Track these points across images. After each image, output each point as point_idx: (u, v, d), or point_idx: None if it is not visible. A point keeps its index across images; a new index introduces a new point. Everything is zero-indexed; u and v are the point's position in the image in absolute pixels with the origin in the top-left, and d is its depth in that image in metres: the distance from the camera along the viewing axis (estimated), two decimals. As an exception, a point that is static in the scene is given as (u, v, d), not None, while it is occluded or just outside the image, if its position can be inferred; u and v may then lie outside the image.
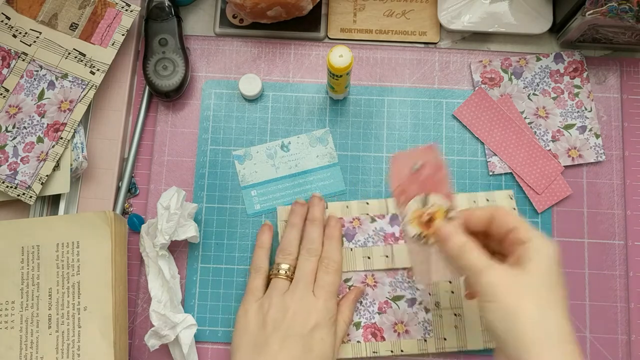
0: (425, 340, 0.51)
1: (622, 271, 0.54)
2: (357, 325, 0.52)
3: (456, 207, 0.42)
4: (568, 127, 0.56)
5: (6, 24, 0.54)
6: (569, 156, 0.55)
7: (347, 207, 0.54)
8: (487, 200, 0.54)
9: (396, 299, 0.52)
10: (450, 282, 0.52)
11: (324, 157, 0.56)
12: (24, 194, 0.52)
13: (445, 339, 0.51)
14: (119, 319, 0.50)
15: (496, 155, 0.55)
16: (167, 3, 0.56)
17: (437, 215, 0.42)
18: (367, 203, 0.54)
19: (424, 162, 0.42)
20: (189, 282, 0.54)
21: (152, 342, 0.50)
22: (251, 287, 0.50)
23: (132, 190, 0.56)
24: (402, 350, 0.51)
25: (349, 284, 0.52)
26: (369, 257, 0.53)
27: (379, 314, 0.52)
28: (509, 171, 0.55)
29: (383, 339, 0.51)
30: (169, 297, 0.51)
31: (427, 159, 0.43)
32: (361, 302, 0.52)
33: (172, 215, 0.50)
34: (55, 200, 0.55)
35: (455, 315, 0.52)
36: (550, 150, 0.55)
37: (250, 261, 0.52)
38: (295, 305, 0.47)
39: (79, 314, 0.49)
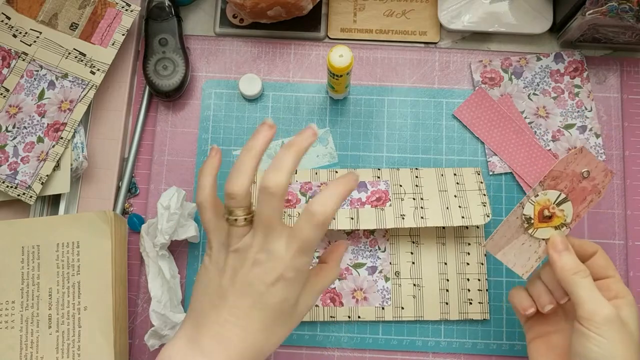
0: (383, 308, 0.52)
1: (622, 271, 0.54)
2: None
3: (571, 228, 0.44)
4: (568, 126, 0.56)
5: (6, 24, 0.54)
6: (569, 156, 0.55)
7: (317, 173, 0.54)
8: (455, 174, 0.54)
9: (357, 266, 0.53)
10: (410, 252, 0.52)
11: (324, 157, 0.56)
12: (24, 194, 0.52)
13: (402, 308, 0.52)
14: (119, 319, 0.50)
15: (496, 155, 0.55)
16: (167, 3, 0.56)
17: (556, 220, 0.43)
18: (336, 172, 0.55)
19: (597, 175, 0.42)
20: (189, 282, 0.54)
21: (152, 342, 0.50)
22: (204, 225, 0.41)
23: (132, 190, 0.56)
24: (359, 317, 0.52)
25: None
26: (334, 218, 0.52)
27: (339, 280, 0.53)
28: (509, 171, 0.55)
29: (341, 304, 0.53)
30: (169, 297, 0.51)
31: (598, 177, 0.43)
32: None
33: (172, 215, 0.50)
34: (55, 200, 0.55)
35: (414, 285, 0.53)
36: (550, 150, 0.55)
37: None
38: (254, 256, 0.38)
39: (79, 314, 0.49)
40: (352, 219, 0.52)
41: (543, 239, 0.44)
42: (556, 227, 0.43)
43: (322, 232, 0.38)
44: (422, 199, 0.53)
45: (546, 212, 0.43)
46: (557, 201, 0.43)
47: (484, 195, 0.52)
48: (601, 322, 0.39)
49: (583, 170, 0.42)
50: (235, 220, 0.38)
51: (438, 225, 0.52)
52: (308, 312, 0.49)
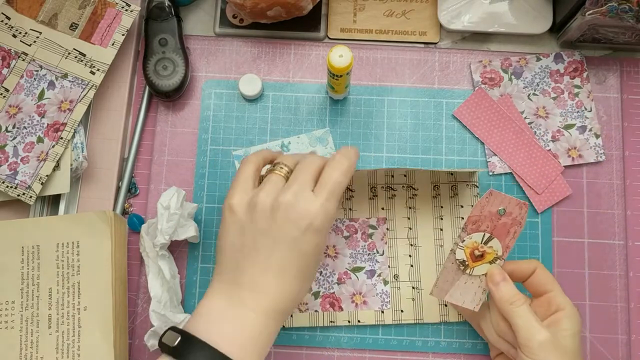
0: (383, 312, 0.52)
1: (622, 271, 0.54)
2: (316, 295, 0.53)
3: (504, 259, 0.46)
4: (568, 127, 0.56)
5: (6, 24, 0.54)
6: (569, 156, 0.55)
7: None
8: (451, 174, 0.54)
9: (356, 270, 0.53)
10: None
11: (324, 157, 0.56)
12: (24, 194, 0.52)
13: (402, 311, 0.52)
14: (119, 319, 0.50)
15: (496, 155, 0.55)
16: (167, 3, 0.56)
17: (488, 256, 0.46)
18: None
19: (511, 212, 0.45)
20: (189, 282, 0.54)
21: (152, 342, 0.50)
22: (239, 177, 0.43)
23: (132, 190, 0.56)
24: (359, 321, 0.52)
25: None
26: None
27: (338, 284, 0.53)
28: (509, 171, 0.55)
29: (341, 308, 0.53)
30: (169, 297, 0.51)
31: (514, 211, 0.45)
32: (321, 273, 0.53)
33: (172, 215, 0.50)
34: (55, 200, 0.55)
35: (413, 288, 0.53)
36: (550, 150, 0.55)
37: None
38: (289, 201, 0.40)
39: (79, 314, 0.49)
40: (350, 209, 0.54)
41: (482, 275, 0.46)
42: (491, 262, 0.46)
43: (348, 178, 0.42)
44: (413, 188, 0.54)
45: (477, 252, 0.46)
46: (483, 240, 0.46)
47: (476, 196, 0.54)
48: (536, 347, 0.42)
49: (499, 209, 0.45)
50: (281, 168, 0.43)
51: (428, 195, 0.54)
52: (308, 317, 0.52)
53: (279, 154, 0.47)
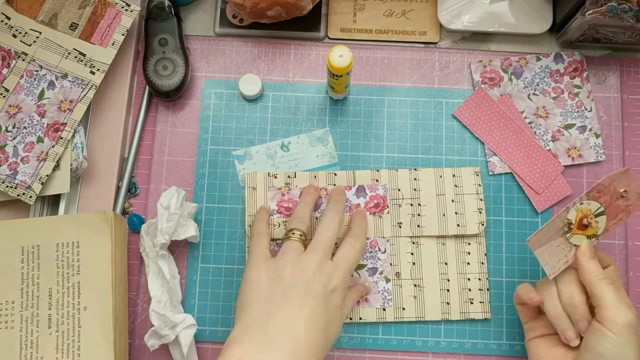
0: (384, 309, 0.52)
1: (622, 271, 0.54)
2: None
3: (599, 240, 0.47)
4: (568, 126, 0.56)
5: (6, 24, 0.54)
6: (569, 156, 0.55)
7: (315, 177, 0.54)
8: (454, 175, 0.54)
9: (358, 267, 0.53)
10: (411, 250, 0.52)
11: (324, 157, 0.56)
12: (24, 194, 0.52)
13: (404, 309, 0.52)
14: (119, 319, 0.50)
15: (496, 155, 0.55)
16: (167, 3, 0.56)
17: (590, 230, 0.47)
18: (335, 174, 0.54)
19: (632, 196, 0.47)
20: (189, 282, 0.54)
21: (152, 342, 0.50)
22: (256, 250, 0.47)
23: (132, 190, 0.56)
24: (360, 318, 0.52)
25: None
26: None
27: None
28: (509, 171, 0.55)
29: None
30: (169, 297, 0.51)
31: (632, 198, 0.47)
32: None
33: (172, 215, 0.50)
34: (55, 200, 0.55)
35: (414, 286, 0.53)
36: (550, 150, 0.55)
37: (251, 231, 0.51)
38: (315, 268, 0.44)
39: (79, 314, 0.49)
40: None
41: (575, 245, 0.47)
42: (588, 237, 0.47)
43: (361, 256, 0.49)
44: (419, 204, 0.53)
45: (585, 221, 0.46)
46: (595, 212, 0.47)
47: (481, 200, 0.53)
48: (622, 325, 0.42)
49: (622, 190, 0.46)
50: (294, 233, 0.47)
51: (433, 235, 0.53)
52: None
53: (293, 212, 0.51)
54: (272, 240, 0.52)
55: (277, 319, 0.42)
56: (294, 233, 0.47)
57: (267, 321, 0.42)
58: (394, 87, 0.57)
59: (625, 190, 0.46)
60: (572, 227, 0.46)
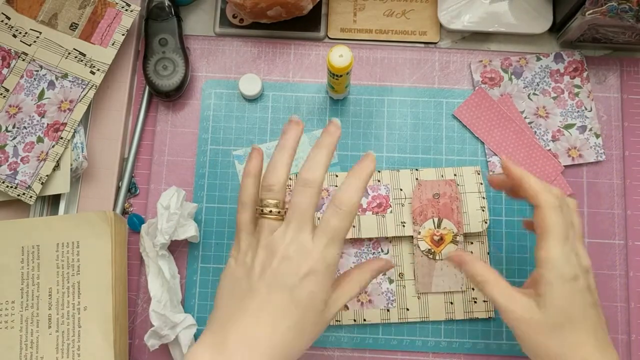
0: (388, 310, 0.52)
1: (622, 271, 0.54)
2: None
3: (462, 234, 0.50)
4: (568, 126, 0.56)
5: (6, 24, 0.54)
6: (569, 156, 0.55)
7: None
8: (455, 174, 0.54)
9: None
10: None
11: (324, 157, 0.56)
12: (24, 194, 0.52)
13: (407, 309, 0.52)
14: (119, 319, 0.50)
15: (496, 155, 0.55)
16: (167, 3, 0.56)
17: (447, 237, 0.50)
18: (337, 175, 0.54)
19: (444, 192, 0.51)
20: (189, 282, 0.54)
21: (152, 342, 0.50)
22: (238, 224, 0.42)
23: (132, 190, 0.56)
24: (364, 320, 0.52)
25: None
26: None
27: None
28: (509, 171, 0.55)
29: (347, 308, 0.52)
30: (169, 297, 0.51)
31: (446, 189, 0.51)
32: None
33: (172, 215, 0.50)
34: (55, 200, 0.55)
35: None
36: (550, 150, 0.55)
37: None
38: (285, 249, 0.38)
39: (79, 314, 0.49)
40: (353, 226, 0.52)
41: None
42: (452, 241, 0.51)
43: (349, 221, 0.39)
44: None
45: (435, 237, 0.51)
46: (436, 225, 0.51)
47: (484, 198, 0.53)
48: (513, 326, 0.40)
49: (433, 194, 0.51)
50: (270, 211, 0.40)
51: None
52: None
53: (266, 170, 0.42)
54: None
55: (236, 330, 0.37)
56: (263, 210, 0.40)
57: (227, 330, 0.37)
58: (394, 87, 0.57)
59: (436, 193, 0.51)
60: (433, 251, 0.50)
